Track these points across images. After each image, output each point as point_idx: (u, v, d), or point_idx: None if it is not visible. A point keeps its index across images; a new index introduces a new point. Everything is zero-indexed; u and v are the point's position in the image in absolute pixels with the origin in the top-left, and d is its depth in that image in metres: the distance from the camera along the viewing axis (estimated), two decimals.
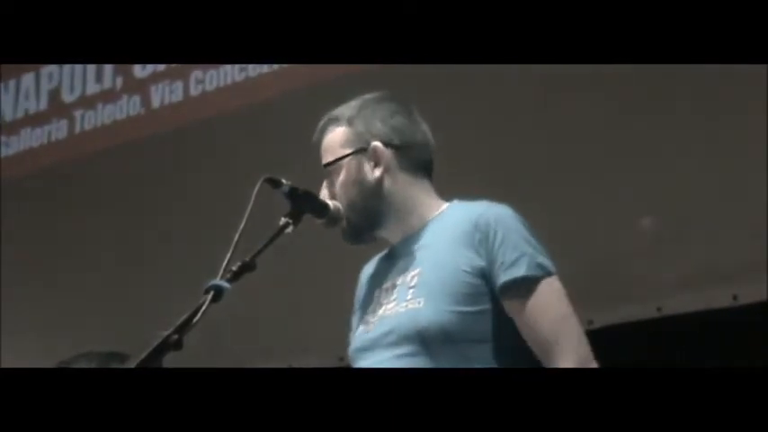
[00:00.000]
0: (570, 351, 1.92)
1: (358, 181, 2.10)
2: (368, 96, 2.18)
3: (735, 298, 3.20)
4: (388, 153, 2.11)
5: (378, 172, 2.10)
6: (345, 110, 2.15)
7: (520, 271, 1.95)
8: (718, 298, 3.21)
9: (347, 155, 2.11)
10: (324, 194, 2.12)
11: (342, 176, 2.11)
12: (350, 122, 2.13)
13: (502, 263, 1.96)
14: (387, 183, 2.10)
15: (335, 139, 2.13)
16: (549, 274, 1.97)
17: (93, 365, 2.38)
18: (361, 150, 2.11)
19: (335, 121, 2.15)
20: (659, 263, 3.29)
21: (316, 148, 2.17)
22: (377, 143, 2.11)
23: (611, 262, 3.34)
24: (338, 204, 2.09)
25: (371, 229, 2.12)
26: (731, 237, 3.18)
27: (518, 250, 1.96)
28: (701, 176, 3.27)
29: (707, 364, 2.77)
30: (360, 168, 2.11)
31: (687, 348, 3.19)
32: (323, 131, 2.16)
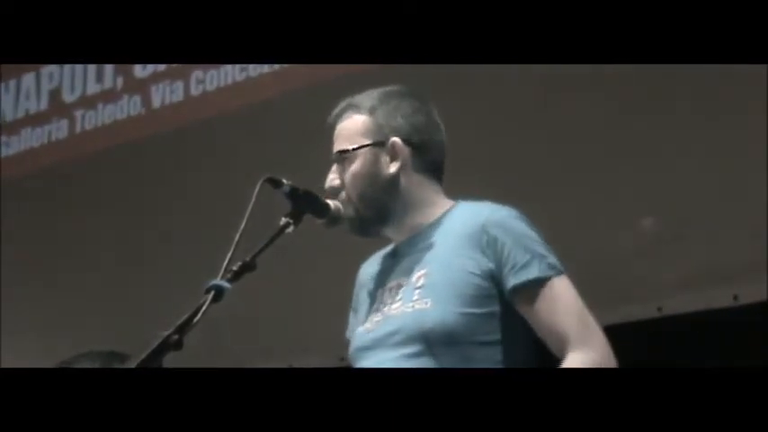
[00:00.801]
0: (593, 343, 1.93)
1: (373, 173, 2.08)
2: (389, 89, 2.15)
3: (735, 298, 3.20)
4: (406, 150, 2.09)
5: (394, 168, 2.09)
6: (366, 99, 2.13)
7: (532, 272, 1.95)
8: (719, 298, 3.21)
9: (366, 145, 2.09)
10: (332, 180, 2.09)
11: (356, 166, 2.08)
12: (371, 112, 2.11)
13: (513, 266, 1.96)
14: (401, 180, 2.09)
15: (354, 126, 2.11)
16: (559, 273, 1.97)
17: (94, 365, 2.38)
18: (380, 143, 2.09)
19: (356, 108, 2.12)
20: (659, 263, 3.29)
21: (328, 130, 2.14)
22: (396, 139, 2.09)
23: (611, 262, 3.34)
24: (338, 204, 2.08)
25: (379, 223, 2.10)
26: (731, 237, 3.18)
27: (528, 252, 1.96)
28: (701, 176, 3.27)
29: (707, 364, 2.77)
30: (376, 161, 2.09)
31: (687, 348, 3.19)
32: (340, 116, 2.13)
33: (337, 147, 2.12)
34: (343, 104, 2.15)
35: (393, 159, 2.09)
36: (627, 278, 3.33)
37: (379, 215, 2.09)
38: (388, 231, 2.13)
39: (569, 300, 1.96)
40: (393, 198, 2.09)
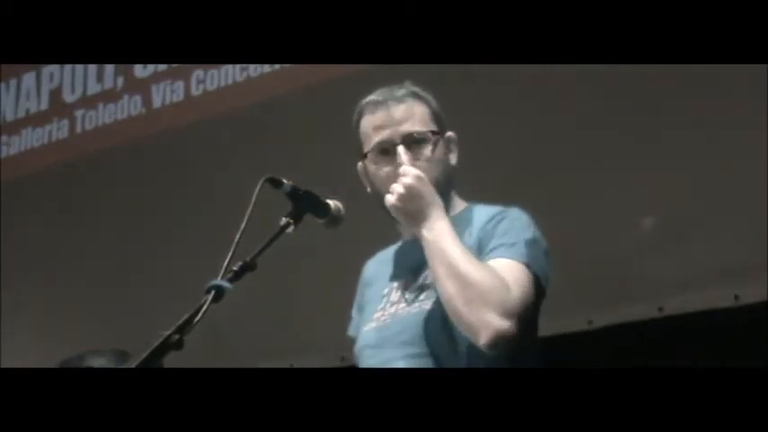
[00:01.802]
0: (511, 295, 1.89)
1: (444, 162, 2.09)
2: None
3: (736, 298, 3.19)
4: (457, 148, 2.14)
5: (453, 160, 2.12)
6: (421, 90, 2.12)
7: (496, 253, 1.95)
8: (720, 298, 3.20)
9: (440, 132, 2.09)
10: (405, 160, 2.03)
11: (431, 151, 2.07)
12: (429, 105, 2.11)
13: (494, 246, 1.97)
14: (454, 174, 2.11)
15: (424, 112, 2.09)
16: (526, 264, 1.95)
17: (108, 364, 2.39)
18: (444, 134, 2.11)
19: (417, 96, 2.11)
20: (660, 263, 3.29)
21: (378, 103, 2.09)
22: (453, 134, 2.12)
23: (612, 262, 3.34)
24: (338, 204, 2.07)
25: None
26: (732, 237, 3.18)
27: (504, 237, 1.98)
28: (702, 176, 3.27)
29: (708, 364, 2.77)
30: (445, 151, 2.11)
31: (688, 348, 3.19)
32: (402, 99, 2.09)
33: (409, 128, 2.07)
34: (400, 88, 2.11)
35: (451, 152, 2.12)
36: (628, 278, 3.33)
37: None
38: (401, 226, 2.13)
39: (519, 278, 1.93)
40: (449, 189, 2.10)
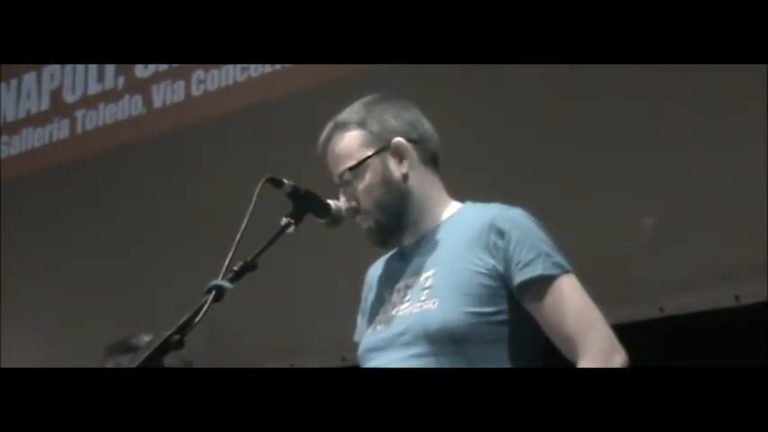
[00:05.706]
0: (595, 347, 1.92)
1: (386, 180, 2.08)
2: (367, 98, 2.15)
3: (737, 298, 3.19)
4: (409, 147, 2.10)
5: (404, 167, 2.09)
6: (351, 114, 2.12)
7: (536, 270, 1.95)
8: (721, 298, 3.20)
9: (371, 155, 2.08)
10: (347, 202, 2.07)
11: (368, 178, 2.07)
12: (361, 125, 2.10)
13: (518, 263, 1.96)
14: (412, 177, 2.09)
15: (352, 143, 2.09)
16: (566, 271, 1.98)
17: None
18: (384, 149, 2.08)
19: (344, 126, 2.11)
20: (661, 263, 3.29)
21: (321, 155, 2.13)
22: (399, 139, 2.09)
23: (613, 262, 3.34)
24: (339, 204, 2.07)
25: (398, 230, 2.10)
26: (733, 237, 3.18)
27: (534, 250, 1.97)
28: (702, 176, 3.27)
29: (709, 364, 2.77)
30: (386, 166, 2.08)
31: (689, 348, 3.19)
32: (330, 140, 2.11)
33: (341, 167, 2.09)
34: (327, 128, 2.13)
35: (402, 159, 2.09)
36: (628, 278, 3.33)
37: (398, 220, 2.09)
38: (404, 237, 2.13)
39: (572, 302, 1.96)
40: (407, 198, 2.09)
